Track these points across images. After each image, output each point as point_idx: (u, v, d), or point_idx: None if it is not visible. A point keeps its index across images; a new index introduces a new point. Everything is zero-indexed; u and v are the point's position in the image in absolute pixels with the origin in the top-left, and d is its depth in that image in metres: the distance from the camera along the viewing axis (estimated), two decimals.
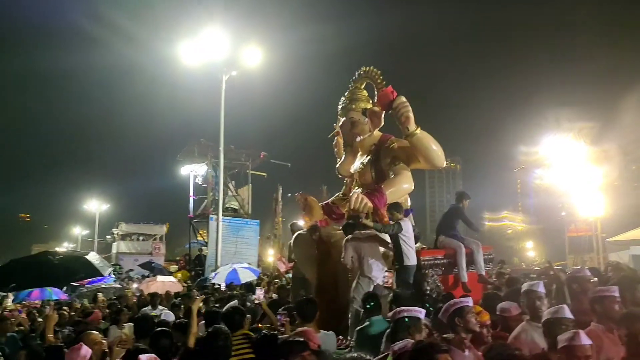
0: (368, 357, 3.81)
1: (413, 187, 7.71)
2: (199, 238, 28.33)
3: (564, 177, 26.35)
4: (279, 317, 4.53)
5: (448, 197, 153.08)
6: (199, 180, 28.27)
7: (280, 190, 29.40)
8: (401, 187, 7.47)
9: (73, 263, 6.81)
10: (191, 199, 28.51)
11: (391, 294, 5.56)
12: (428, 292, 6.50)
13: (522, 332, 4.45)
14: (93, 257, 6.82)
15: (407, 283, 6.48)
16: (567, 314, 3.88)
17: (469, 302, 4.21)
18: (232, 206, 26.82)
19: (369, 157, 8.05)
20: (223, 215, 21.25)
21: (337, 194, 8.92)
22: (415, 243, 7.00)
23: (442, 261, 7.24)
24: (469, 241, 7.72)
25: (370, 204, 6.87)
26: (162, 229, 44.35)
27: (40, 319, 9.03)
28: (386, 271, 6.96)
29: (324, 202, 8.51)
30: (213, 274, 17.43)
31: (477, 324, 4.08)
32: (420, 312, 4.28)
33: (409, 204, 7.85)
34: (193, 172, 28.48)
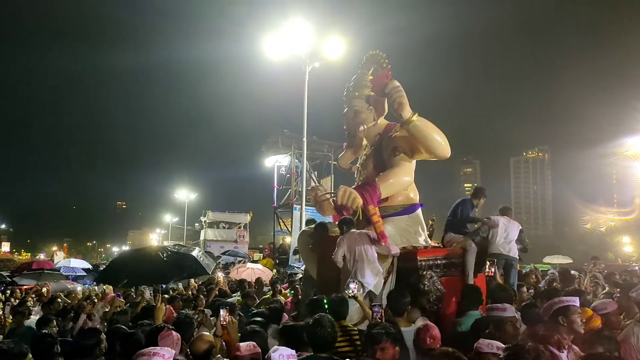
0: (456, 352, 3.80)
1: (412, 180, 7.01)
2: (283, 227, 29.04)
3: None
4: (374, 309, 4.56)
5: (535, 189, 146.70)
6: (283, 171, 28.92)
7: None
8: (398, 180, 6.77)
9: (182, 260, 7.07)
10: (275, 189, 29.22)
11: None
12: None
13: (630, 336, 4.29)
14: (197, 253, 7.09)
15: None
16: None
17: (576, 301, 4.08)
18: None
19: (372, 148, 7.52)
20: (306, 205, 21.61)
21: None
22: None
23: (443, 261, 6.54)
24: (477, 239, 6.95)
25: (359, 200, 6.28)
26: (246, 218, 45.84)
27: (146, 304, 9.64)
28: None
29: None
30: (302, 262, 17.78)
31: (582, 325, 3.94)
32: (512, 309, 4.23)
33: (417, 198, 7.22)
34: (277, 162, 29.14)
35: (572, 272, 10.97)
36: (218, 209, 48.88)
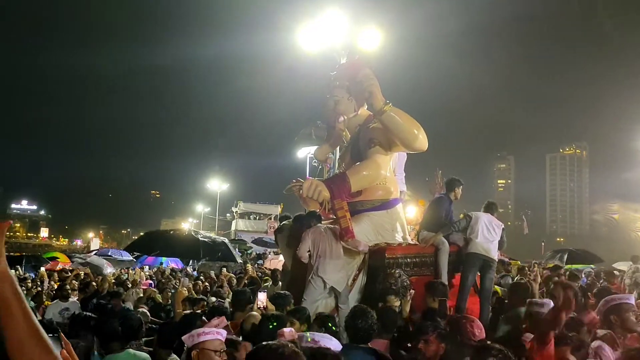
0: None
1: (387, 174, 6.66)
2: None
3: None
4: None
5: (571, 186, 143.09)
6: (315, 163, 28.92)
7: None
8: (371, 173, 6.44)
9: (214, 243, 7.15)
10: None
11: None
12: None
13: None
14: (227, 242, 7.20)
15: None
16: None
17: (630, 299, 4.00)
18: None
19: (351, 140, 7.24)
20: None
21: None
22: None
23: (414, 260, 6.22)
24: (455, 237, 6.60)
25: (326, 193, 6.00)
26: (277, 209, 46.12)
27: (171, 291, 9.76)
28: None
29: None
30: None
31: (638, 323, 3.84)
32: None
33: (398, 193, 6.88)
34: (309, 154, 29.15)
35: (615, 272, 10.69)
36: (249, 199, 49.41)
